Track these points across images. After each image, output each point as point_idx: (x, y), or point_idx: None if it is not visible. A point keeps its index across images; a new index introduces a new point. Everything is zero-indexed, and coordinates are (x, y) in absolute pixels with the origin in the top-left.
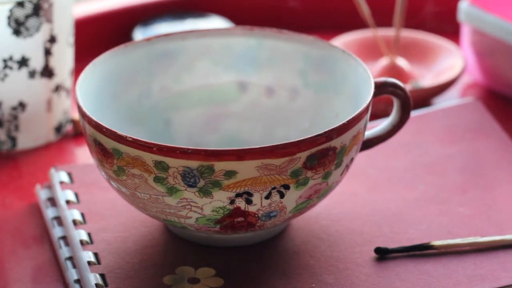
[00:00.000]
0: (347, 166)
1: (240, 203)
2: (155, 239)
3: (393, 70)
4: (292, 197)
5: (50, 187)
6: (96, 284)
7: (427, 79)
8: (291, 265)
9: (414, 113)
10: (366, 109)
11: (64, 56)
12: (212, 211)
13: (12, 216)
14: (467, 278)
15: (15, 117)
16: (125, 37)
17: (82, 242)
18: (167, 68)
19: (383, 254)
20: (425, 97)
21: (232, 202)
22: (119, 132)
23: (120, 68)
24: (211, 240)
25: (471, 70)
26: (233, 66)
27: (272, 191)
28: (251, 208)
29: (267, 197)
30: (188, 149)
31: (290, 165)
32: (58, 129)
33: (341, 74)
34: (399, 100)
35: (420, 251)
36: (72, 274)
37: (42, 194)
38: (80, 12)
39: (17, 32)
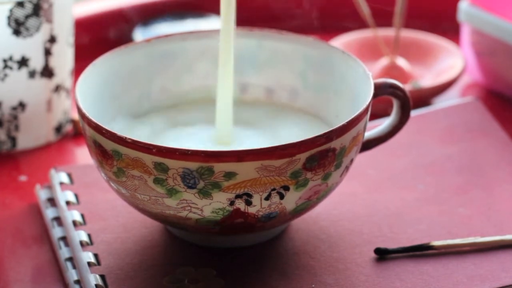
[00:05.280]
0: (347, 167)
1: (240, 204)
2: (155, 240)
3: (393, 70)
4: (292, 198)
5: (50, 187)
6: (96, 285)
7: (427, 79)
8: (291, 266)
9: (414, 113)
10: (366, 110)
11: (64, 56)
12: (212, 212)
13: (12, 216)
14: (467, 278)
15: (15, 117)
16: (125, 37)
17: (82, 243)
18: (167, 69)
19: (383, 255)
20: (425, 97)
21: (231, 203)
22: (119, 133)
23: (120, 69)
24: (211, 241)
25: (471, 70)
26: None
27: (272, 192)
28: (251, 209)
29: (266, 198)
30: (188, 150)
31: (290, 166)
32: (58, 129)
33: (341, 75)
34: (398, 101)
35: (420, 252)
36: (72, 275)
37: (42, 194)
38: (80, 12)
39: (17, 32)
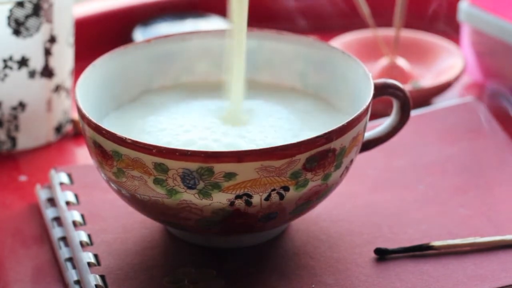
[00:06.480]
0: (347, 168)
1: (240, 205)
2: (155, 241)
3: (393, 70)
4: (292, 198)
5: (50, 187)
6: (96, 285)
7: (427, 79)
8: (291, 266)
9: (414, 113)
10: (366, 110)
11: (64, 56)
12: (212, 212)
13: (12, 216)
14: (467, 278)
15: (15, 117)
16: (125, 37)
17: (82, 243)
18: (167, 69)
19: (383, 255)
20: (425, 97)
21: (231, 203)
22: (119, 134)
23: (120, 69)
24: (211, 242)
25: (471, 70)
26: None
27: (272, 192)
28: (251, 210)
29: (266, 199)
30: (188, 151)
31: (290, 166)
32: (58, 129)
33: (341, 76)
34: (398, 102)
35: (420, 252)
36: (72, 275)
37: (42, 194)
38: (80, 12)
39: (17, 32)
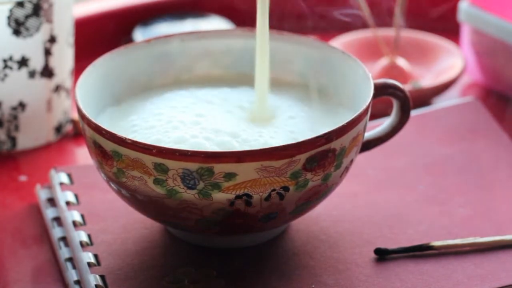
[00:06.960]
0: (347, 168)
1: (240, 205)
2: (155, 241)
3: (393, 70)
4: (292, 198)
5: (50, 187)
6: (96, 285)
7: (427, 79)
8: (291, 266)
9: (414, 113)
10: (366, 110)
11: (64, 56)
12: (212, 213)
13: (12, 216)
14: (467, 278)
15: (15, 117)
16: (125, 37)
17: (82, 243)
18: (167, 69)
19: (383, 255)
20: (425, 97)
21: (231, 204)
22: (119, 134)
23: (119, 69)
24: (211, 242)
25: (471, 70)
26: (232, 67)
27: (272, 193)
28: (251, 210)
29: (266, 199)
30: (188, 151)
31: (290, 167)
32: (58, 129)
33: (341, 76)
34: (398, 102)
35: (420, 252)
36: (72, 275)
37: (42, 194)
38: (80, 12)
39: (17, 32)
